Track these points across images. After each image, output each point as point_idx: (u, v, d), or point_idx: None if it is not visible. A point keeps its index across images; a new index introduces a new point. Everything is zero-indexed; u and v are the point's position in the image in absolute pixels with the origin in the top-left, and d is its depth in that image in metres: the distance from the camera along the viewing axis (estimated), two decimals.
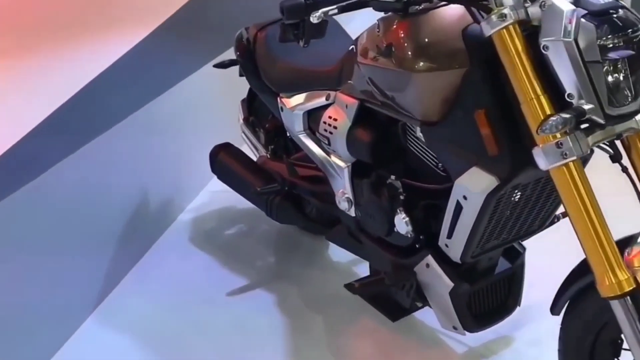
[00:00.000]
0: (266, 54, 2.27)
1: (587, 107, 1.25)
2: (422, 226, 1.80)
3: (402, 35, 1.54)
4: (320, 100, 2.04)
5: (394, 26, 1.58)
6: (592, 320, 1.45)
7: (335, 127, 1.94)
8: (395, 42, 1.56)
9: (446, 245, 1.67)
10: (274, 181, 2.33)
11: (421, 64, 1.50)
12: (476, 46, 1.44)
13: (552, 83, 1.32)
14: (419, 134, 1.70)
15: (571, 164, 1.29)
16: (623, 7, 1.31)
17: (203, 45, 3.16)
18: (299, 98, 2.14)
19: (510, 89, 1.36)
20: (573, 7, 1.27)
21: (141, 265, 2.63)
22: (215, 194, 3.09)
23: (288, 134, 2.48)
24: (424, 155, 1.75)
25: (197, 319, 2.31)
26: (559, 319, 2.08)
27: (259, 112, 2.61)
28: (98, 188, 2.43)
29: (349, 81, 1.87)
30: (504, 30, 1.33)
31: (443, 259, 1.76)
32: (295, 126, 2.17)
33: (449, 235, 1.63)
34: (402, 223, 1.80)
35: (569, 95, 1.28)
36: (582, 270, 1.43)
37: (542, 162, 1.32)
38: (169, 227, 2.87)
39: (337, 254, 2.54)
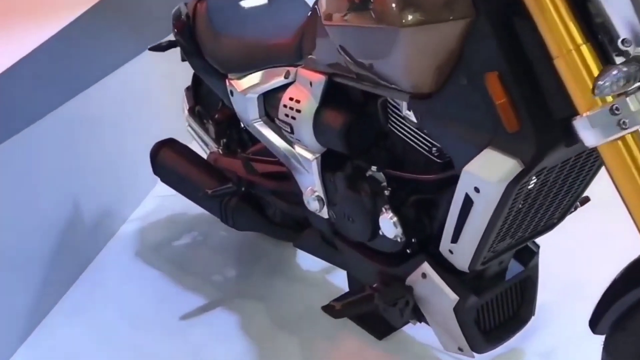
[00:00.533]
0: (208, 29, 1.89)
1: None
2: (414, 227, 1.44)
3: None
4: (278, 80, 1.66)
5: None
6: None
7: (298, 111, 1.57)
8: None
9: (450, 252, 1.31)
10: (228, 181, 1.96)
11: (409, 16, 1.13)
12: None
13: (593, 28, 0.98)
14: (406, 112, 1.34)
15: (629, 137, 0.95)
16: None
17: (140, 28, 2.76)
18: (251, 79, 1.76)
19: (535, 41, 1.02)
20: None
21: (76, 289, 2.24)
22: (163, 199, 2.70)
23: (242, 124, 2.11)
24: (413, 138, 1.39)
25: (145, 351, 1.91)
26: (573, 323, 1.78)
27: (206, 101, 2.23)
28: (19, 200, 2.04)
29: (312, 53, 1.51)
30: None
31: (443, 266, 1.41)
32: (250, 113, 1.79)
33: (454, 239, 1.27)
34: (389, 224, 1.44)
35: (624, 41, 0.94)
36: (636, 275, 1.09)
37: (589, 137, 0.97)
38: (109, 241, 2.48)
39: (308, 262, 2.17)
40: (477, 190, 1.15)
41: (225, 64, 1.84)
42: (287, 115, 1.61)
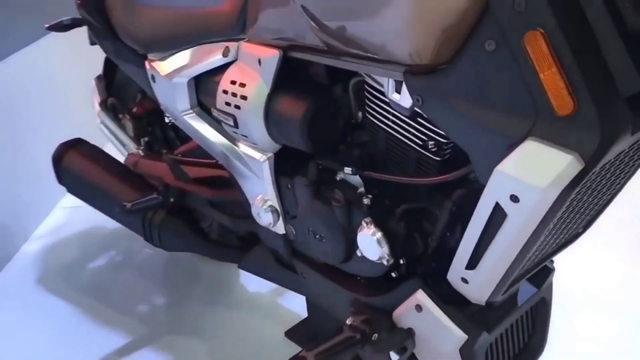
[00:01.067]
0: (122, 0, 1.49)
1: None
2: (404, 245, 1.11)
3: None
4: (215, 59, 1.29)
5: None
6: None
7: (243, 97, 1.20)
8: None
9: (464, 281, 0.98)
10: (152, 190, 1.57)
11: None
12: None
13: None
14: (394, 95, 1.00)
15: None
16: None
17: (42, 4, 2.32)
18: (178, 59, 1.37)
19: None
20: None
21: None
22: (73, 212, 2.28)
23: (168, 118, 1.72)
24: (400, 128, 1.05)
25: None
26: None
27: (122, 91, 1.83)
28: None
29: (261, 21, 1.15)
30: None
31: (441, 294, 1.09)
32: (178, 103, 1.40)
33: (472, 264, 0.94)
34: (371, 243, 1.10)
35: None
36: None
37: None
38: (6, 265, 2.05)
39: (255, 284, 1.81)
40: (514, 199, 0.82)
41: (145, 41, 1.45)
42: (228, 104, 1.24)
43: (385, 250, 1.10)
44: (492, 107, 0.83)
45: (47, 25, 1.80)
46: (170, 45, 1.39)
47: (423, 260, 1.12)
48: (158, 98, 1.47)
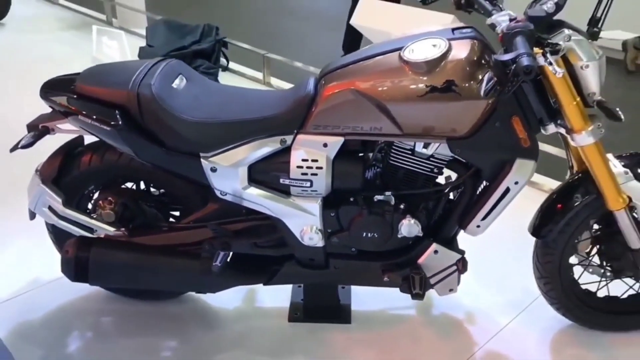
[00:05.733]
0: (169, 117, 1.96)
1: None
2: (425, 223, 2.09)
3: (467, 64, 1.81)
4: (271, 148, 1.97)
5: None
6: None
7: (319, 168, 1.95)
8: (459, 74, 1.80)
9: (478, 227, 2.05)
10: (194, 254, 2.12)
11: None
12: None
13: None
14: (423, 149, 1.96)
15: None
16: None
17: None
18: (239, 152, 1.97)
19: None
20: None
21: None
22: None
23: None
24: (417, 166, 2.01)
25: None
26: None
27: (74, 189, 2.22)
28: None
29: (327, 121, 1.91)
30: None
31: (443, 241, 2.12)
32: (238, 183, 2.00)
33: (485, 217, 2.02)
34: (413, 228, 2.01)
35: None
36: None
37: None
38: None
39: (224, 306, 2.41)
40: (516, 183, 1.94)
41: (200, 145, 1.97)
42: (305, 174, 1.95)
43: (419, 229, 2.06)
44: (499, 147, 1.92)
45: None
46: (226, 144, 1.97)
47: (427, 228, 2.13)
48: (215, 183, 2.01)
